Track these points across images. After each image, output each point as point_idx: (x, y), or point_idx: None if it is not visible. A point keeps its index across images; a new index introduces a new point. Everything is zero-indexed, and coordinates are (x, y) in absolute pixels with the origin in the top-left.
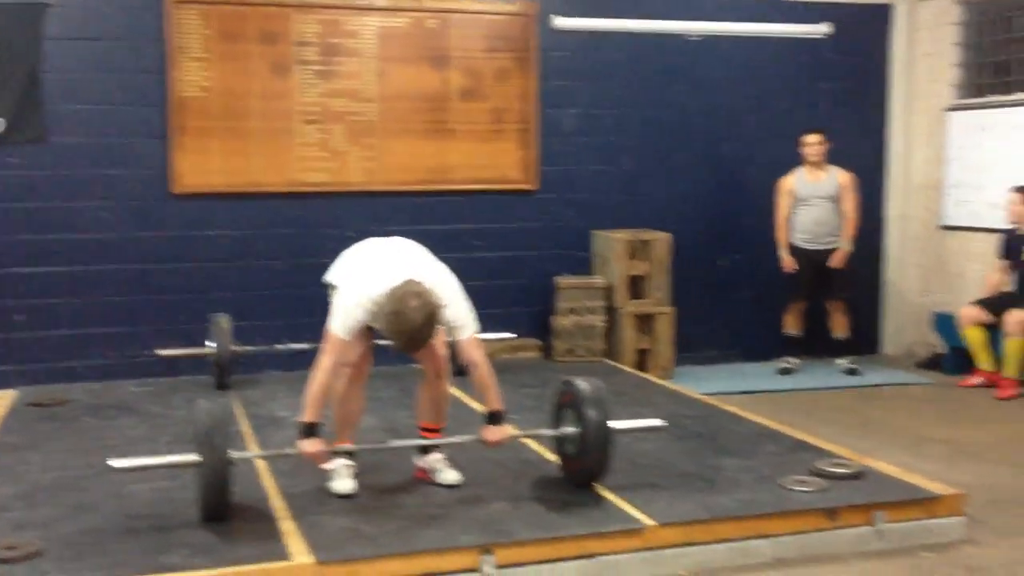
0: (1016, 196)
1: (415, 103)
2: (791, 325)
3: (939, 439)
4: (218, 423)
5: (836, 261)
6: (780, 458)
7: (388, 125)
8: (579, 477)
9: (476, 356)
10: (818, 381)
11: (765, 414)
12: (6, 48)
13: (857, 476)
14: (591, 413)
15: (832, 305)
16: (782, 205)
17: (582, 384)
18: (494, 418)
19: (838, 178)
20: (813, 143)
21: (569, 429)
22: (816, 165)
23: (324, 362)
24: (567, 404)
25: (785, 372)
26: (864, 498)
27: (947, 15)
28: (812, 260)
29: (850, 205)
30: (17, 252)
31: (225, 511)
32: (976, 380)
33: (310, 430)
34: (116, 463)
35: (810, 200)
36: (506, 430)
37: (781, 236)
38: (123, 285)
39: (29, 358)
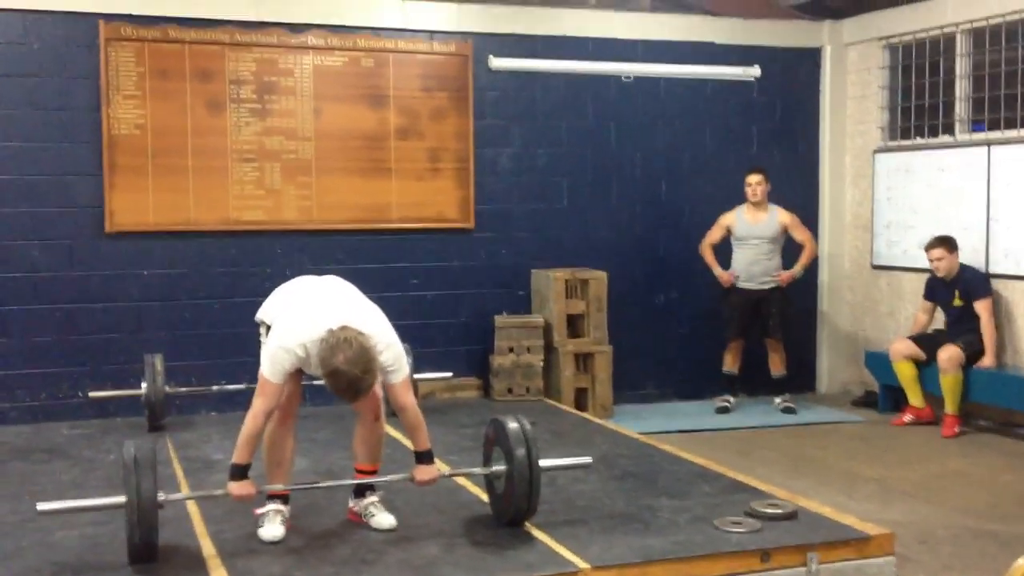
0: (938, 251)
1: (351, 142)
2: (729, 363)
3: (872, 478)
4: (145, 464)
5: (784, 278)
6: (715, 499)
7: (324, 163)
8: (508, 515)
9: (407, 400)
10: (755, 419)
11: (702, 453)
12: None
13: (791, 516)
14: (518, 451)
15: (769, 344)
16: (713, 233)
17: (509, 422)
18: (424, 457)
19: (779, 218)
20: (752, 183)
21: (497, 467)
22: (757, 205)
23: (255, 405)
24: (496, 442)
25: (723, 411)
26: (797, 539)
27: (874, 59)
28: (748, 299)
29: (803, 235)
30: None
31: (153, 554)
32: (907, 418)
33: (239, 471)
34: (43, 507)
35: (747, 240)
36: (436, 469)
37: (708, 256)
38: (55, 325)
39: None
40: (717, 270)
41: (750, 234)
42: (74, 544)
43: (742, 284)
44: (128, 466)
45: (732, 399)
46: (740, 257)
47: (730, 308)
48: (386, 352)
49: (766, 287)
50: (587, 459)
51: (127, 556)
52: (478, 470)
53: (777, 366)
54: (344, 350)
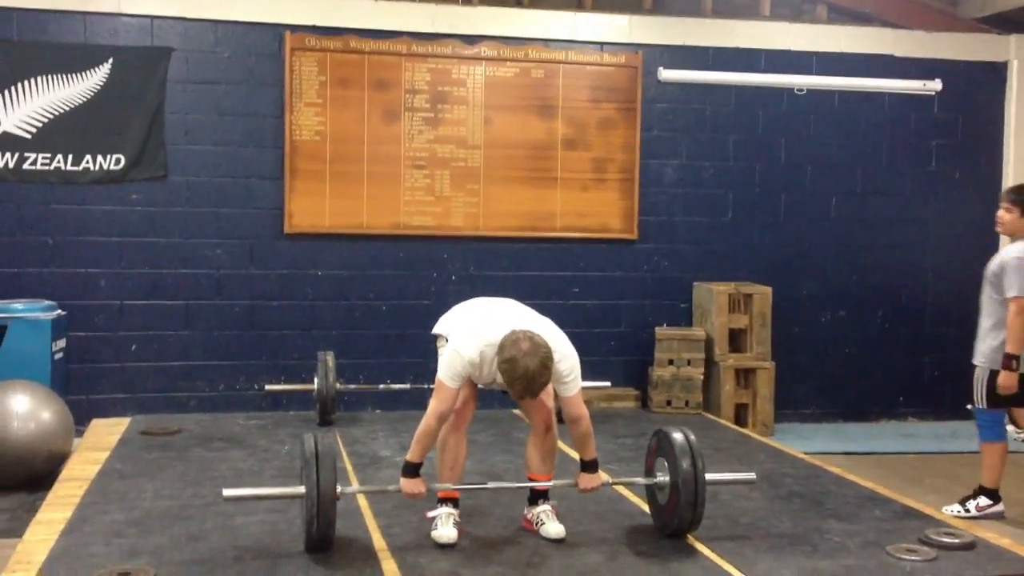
0: None
1: (519, 151)
2: None
3: None
4: (325, 457)
5: None
6: (887, 524)
7: (492, 172)
8: (671, 527)
9: (582, 411)
10: (927, 445)
11: (870, 477)
12: (131, 89)
13: (969, 547)
14: (683, 462)
15: None
16: None
17: (674, 433)
18: (589, 466)
19: None
20: None
21: (661, 478)
22: None
23: (431, 407)
24: (659, 453)
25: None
26: (976, 570)
27: None
28: None
29: None
30: (135, 285)
31: (328, 544)
32: None
33: (411, 469)
34: (228, 493)
35: None
36: (600, 477)
37: None
38: (234, 320)
39: (143, 388)
40: None
41: None
42: (254, 529)
43: None
44: (308, 459)
45: None
46: None
47: None
48: (563, 362)
49: None
50: (751, 475)
51: (304, 544)
52: (642, 480)
53: None
54: (525, 343)
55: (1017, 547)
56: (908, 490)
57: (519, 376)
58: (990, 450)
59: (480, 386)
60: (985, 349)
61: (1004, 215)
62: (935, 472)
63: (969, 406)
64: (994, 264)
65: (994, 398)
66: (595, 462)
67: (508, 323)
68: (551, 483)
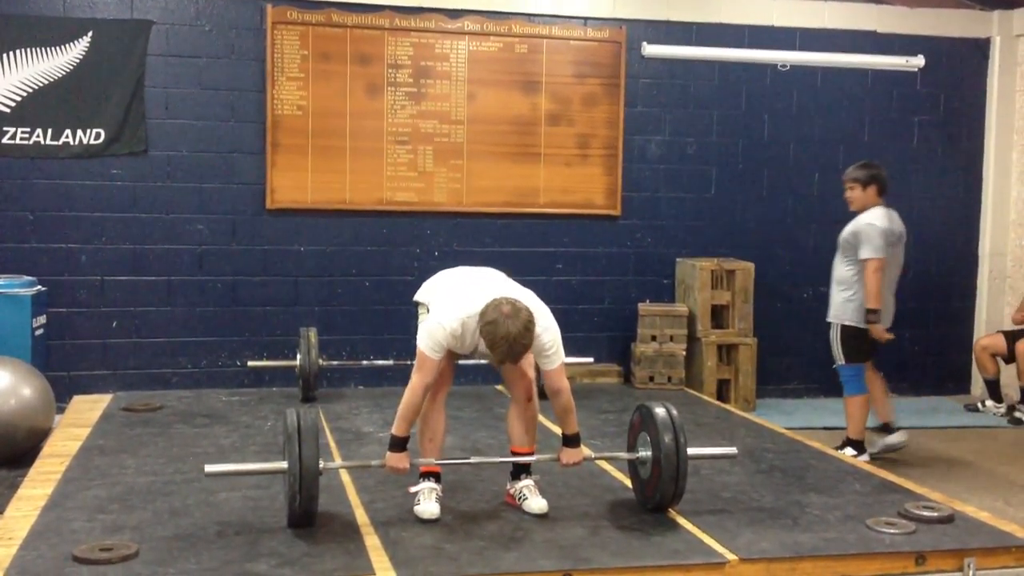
0: None
1: (502, 126)
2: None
3: None
4: (307, 432)
5: None
6: (867, 498)
7: (475, 147)
8: (653, 501)
9: (563, 384)
10: (907, 420)
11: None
12: (111, 63)
13: (947, 520)
14: (665, 437)
15: None
16: None
17: (656, 408)
18: (571, 440)
19: None
20: None
21: (643, 453)
22: None
23: (413, 380)
24: (642, 428)
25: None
26: (954, 543)
27: None
28: None
29: None
30: (116, 260)
31: (311, 519)
32: None
33: (398, 443)
34: (210, 469)
35: None
36: (582, 452)
37: None
38: (216, 296)
39: (124, 364)
40: None
41: None
42: (236, 505)
43: None
44: (291, 434)
45: (995, 404)
46: None
47: None
48: (544, 335)
49: None
50: (732, 450)
51: (286, 520)
52: (624, 454)
53: None
54: (507, 307)
55: (995, 520)
56: (887, 465)
57: (500, 339)
58: (853, 403)
59: (461, 356)
60: (833, 306)
61: (851, 194)
62: (914, 447)
63: (834, 366)
64: (847, 232)
65: (852, 353)
66: (577, 436)
67: (490, 292)
68: (534, 458)
